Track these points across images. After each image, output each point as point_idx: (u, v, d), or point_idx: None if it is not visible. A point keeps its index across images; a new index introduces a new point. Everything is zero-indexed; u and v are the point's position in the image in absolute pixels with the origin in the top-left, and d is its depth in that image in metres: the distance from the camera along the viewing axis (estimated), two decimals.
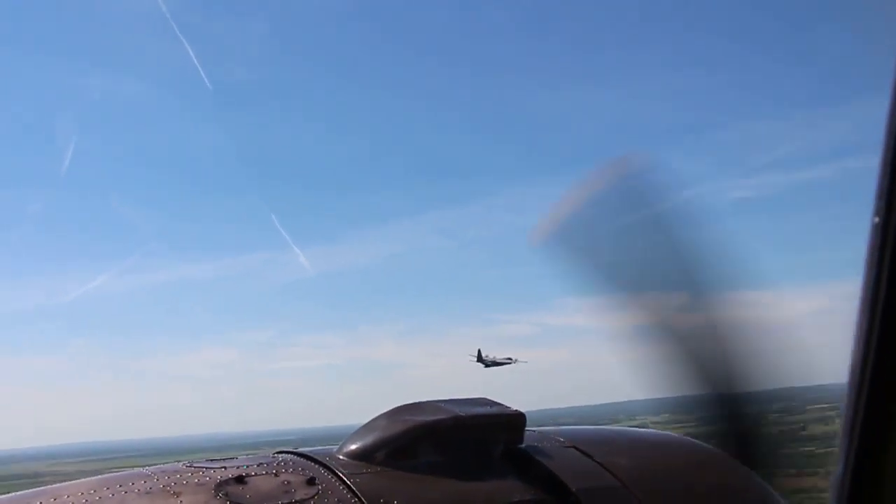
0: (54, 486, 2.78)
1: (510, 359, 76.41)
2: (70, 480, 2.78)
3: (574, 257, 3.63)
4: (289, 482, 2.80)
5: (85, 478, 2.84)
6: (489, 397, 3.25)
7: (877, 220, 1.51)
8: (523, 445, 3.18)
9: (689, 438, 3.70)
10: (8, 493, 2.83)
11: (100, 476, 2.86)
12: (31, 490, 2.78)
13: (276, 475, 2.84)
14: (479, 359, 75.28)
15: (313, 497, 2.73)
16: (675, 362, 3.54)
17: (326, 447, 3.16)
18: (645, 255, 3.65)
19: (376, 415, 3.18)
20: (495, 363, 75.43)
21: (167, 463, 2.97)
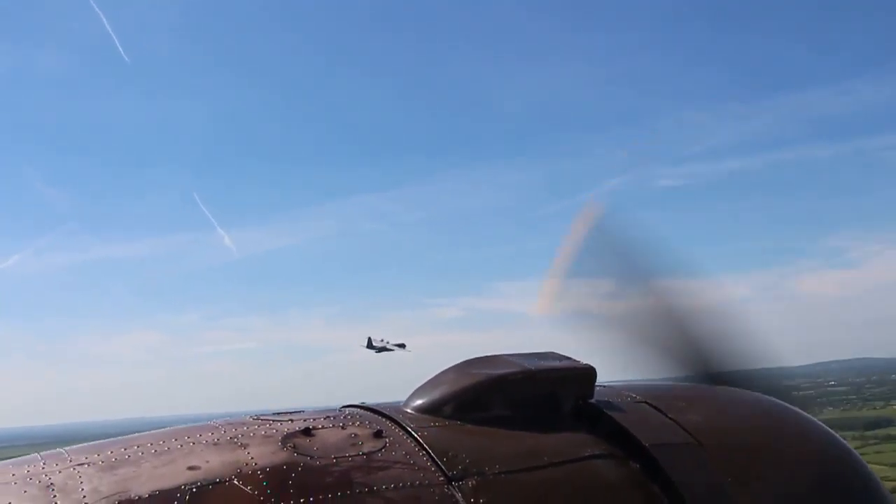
0: (123, 437, 2.75)
1: (403, 345, 77.18)
2: None
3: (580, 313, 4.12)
4: (356, 435, 2.78)
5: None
6: (423, 382, 3.18)
7: None
8: (594, 400, 3.15)
9: (765, 396, 3.71)
10: None
11: (167, 428, 2.83)
12: (99, 441, 2.74)
13: (342, 428, 2.82)
14: (369, 345, 76.08)
15: (380, 450, 2.71)
16: (643, 346, 3.93)
17: (393, 401, 3.12)
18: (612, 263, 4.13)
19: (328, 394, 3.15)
20: (385, 349, 76.16)
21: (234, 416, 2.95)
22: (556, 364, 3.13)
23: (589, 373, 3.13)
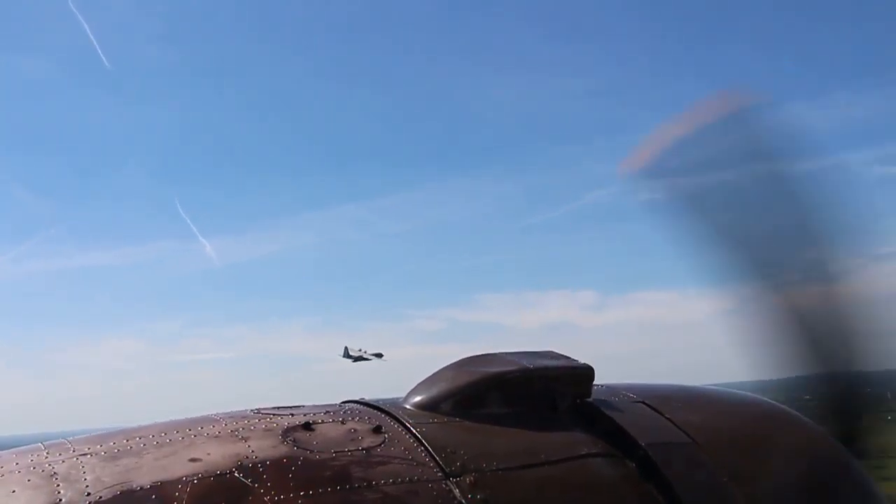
0: (125, 428, 2.76)
1: (380, 354, 77.10)
2: None
3: (672, 201, 3.29)
4: (355, 430, 2.80)
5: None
6: (405, 391, 3.19)
7: None
8: (591, 399, 3.18)
9: (761, 397, 3.74)
10: None
11: (168, 420, 2.85)
12: (101, 433, 2.76)
13: (342, 423, 2.84)
14: (346, 354, 75.93)
15: (379, 445, 2.73)
16: (790, 341, 3.33)
17: (393, 397, 3.14)
18: (758, 217, 3.31)
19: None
20: (361, 358, 75.98)
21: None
22: (554, 363, 3.15)
23: (586, 372, 3.16)
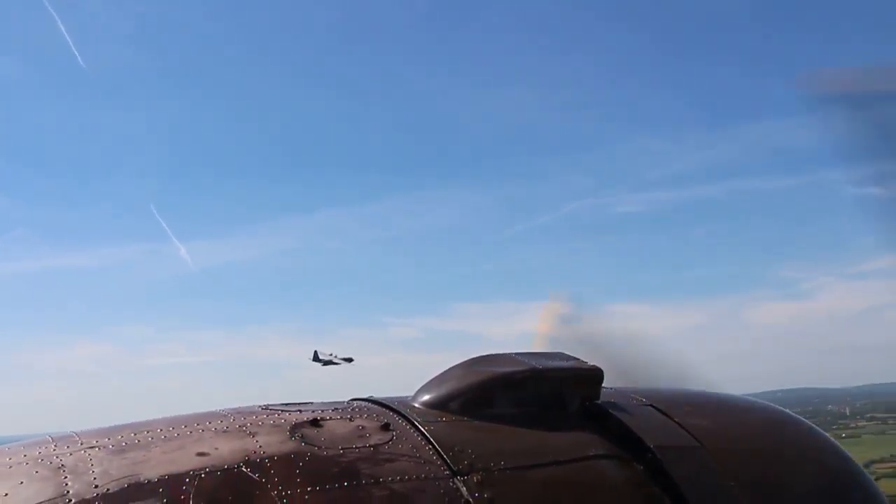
0: (133, 422, 2.77)
1: (350, 359, 77.30)
2: None
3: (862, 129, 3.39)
4: (363, 427, 2.81)
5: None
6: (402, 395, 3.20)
7: None
8: (600, 401, 3.17)
9: (771, 404, 3.74)
10: None
11: (176, 415, 2.86)
12: (109, 426, 2.77)
13: (350, 420, 2.85)
14: (316, 358, 75.97)
15: (387, 443, 2.73)
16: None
17: (401, 396, 3.14)
18: None
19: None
20: (331, 362, 76.01)
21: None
22: (564, 364, 3.16)
23: (596, 373, 3.15)
